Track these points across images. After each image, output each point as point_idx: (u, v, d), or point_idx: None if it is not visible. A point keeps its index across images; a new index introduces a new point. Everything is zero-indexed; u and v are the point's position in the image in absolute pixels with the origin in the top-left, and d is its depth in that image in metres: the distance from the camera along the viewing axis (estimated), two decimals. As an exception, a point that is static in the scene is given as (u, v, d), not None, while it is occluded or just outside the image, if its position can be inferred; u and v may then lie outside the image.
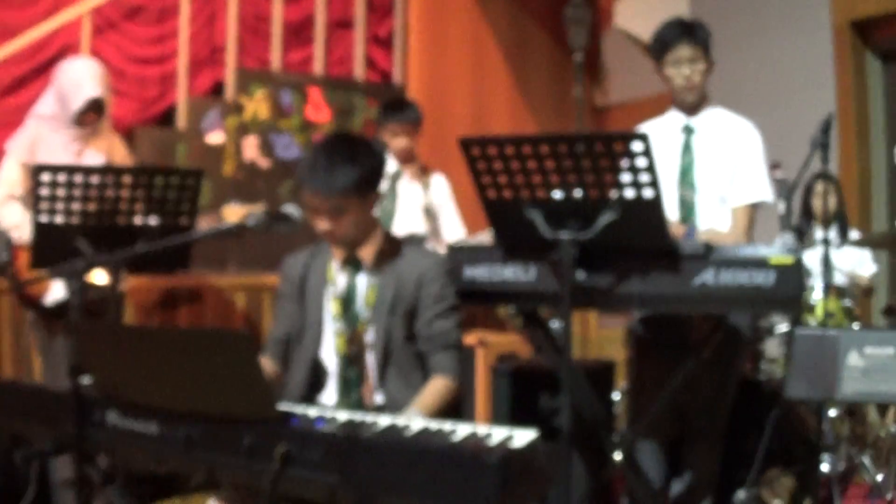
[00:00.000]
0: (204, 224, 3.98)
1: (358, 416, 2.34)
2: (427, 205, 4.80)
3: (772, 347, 4.56)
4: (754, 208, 3.65)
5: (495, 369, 4.11)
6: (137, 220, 3.35)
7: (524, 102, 7.20)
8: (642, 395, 3.77)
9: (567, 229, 2.88)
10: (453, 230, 4.87)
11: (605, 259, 2.96)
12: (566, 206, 2.89)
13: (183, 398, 2.23)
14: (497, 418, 4.04)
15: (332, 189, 2.74)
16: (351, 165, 2.77)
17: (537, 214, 2.92)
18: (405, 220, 4.76)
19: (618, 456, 3.29)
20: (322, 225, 2.82)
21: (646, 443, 3.71)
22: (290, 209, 2.82)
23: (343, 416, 2.36)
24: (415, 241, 4.39)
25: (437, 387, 2.85)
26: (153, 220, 3.33)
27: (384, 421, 2.28)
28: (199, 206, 3.44)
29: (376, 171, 2.88)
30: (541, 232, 2.90)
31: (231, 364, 2.11)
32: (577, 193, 2.87)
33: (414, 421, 2.32)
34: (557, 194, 2.89)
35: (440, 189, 4.89)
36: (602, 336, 6.34)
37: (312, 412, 2.38)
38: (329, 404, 2.91)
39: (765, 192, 3.64)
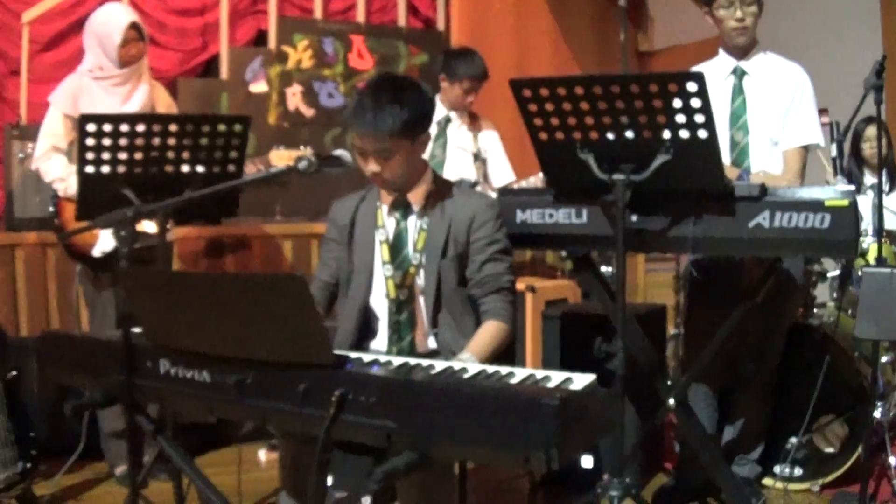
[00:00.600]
0: (251, 169, 3.81)
1: (412, 361, 2.29)
2: (477, 151, 4.74)
3: (823, 292, 4.45)
4: (806, 151, 3.58)
5: (545, 315, 4.06)
6: (184, 169, 3.28)
7: (567, 48, 7.07)
8: (694, 340, 3.74)
9: (620, 171, 2.84)
10: (503, 176, 4.81)
11: (658, 202, 2.95)
12: (619, 148, 2.84)
13: (235, 344, 2.19)
14: (547, 364, 4.00)
15: (380, 130, 2.68)
16: (399, 106, 2.70)
17: (590, 156, 2.88)
18: (455, 166, 4.70)
19: (671, 402, 3.22)
20: (370, 167, 2.76)
21: (698, 388, 3.67)
22: (340, 152, 2.79)
23: (397, 360, 2.31)
24: (464, 185, 4.25)
25: (490, 330, 2.78)
26: (200, 168, 3.26)
27: (439, 364, 2.24)
28: (245, 154, 3.36)
29: (424, 113, 2.81)
30: (594, 174, 2.87)
31: (285, 308, 2.06)
32: (630, 135, 2.81)
33: (469, 364, 2.27)
34: (610, 136, 2.83)
35: (490, 136, 4.84)
36: (648, 281, 6.26)
37: (366, 357, 2.34)
38: (380, 350, 2.87)
39: (816, 134, 3.56)
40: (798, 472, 3.82)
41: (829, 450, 3.83)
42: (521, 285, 4.63)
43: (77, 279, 4.10)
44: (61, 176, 3.91)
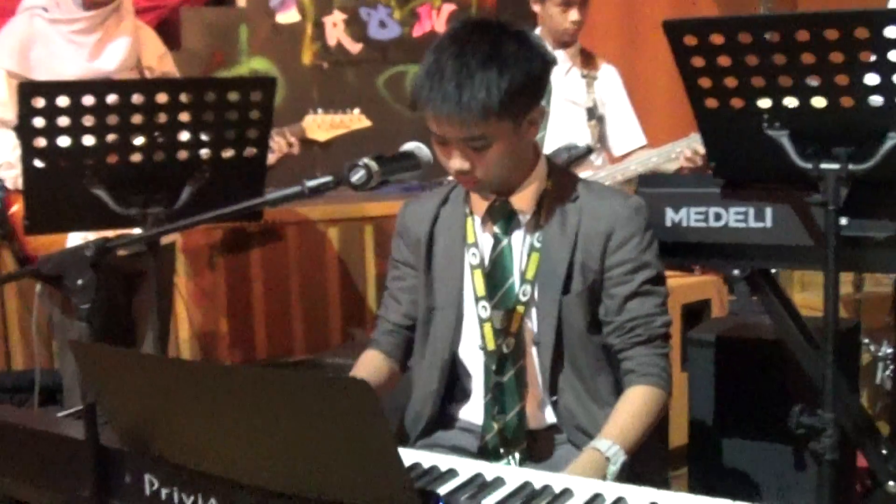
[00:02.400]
0: (278, 144, 3.67)
1: (536, 478, 2.05)
2: (593, 105, 4.52)
3: None
4: None
5: (691, 339, 3.77)
6: (181, 156, 3.01)
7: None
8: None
9: (832, 158, 2.56)
10: (628, 138, 4.62)
11: (882, 200, 2.71)
12: (831, 123, 2.56)
13: (260, 469, 1.89)
14: (695, 411, 3.77)
15: (468, 109, 2.36)
16: (497, 70, 2.37)
17: (784, 134, 2.60)
18: (561, 126, 4.47)
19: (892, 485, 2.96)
20: (455, 163, 2.48)
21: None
22: (413, 146, 2.44)
23: (512, 475, 2.08)
24: (574, 152, 4.19)
25: (639, 400, 2.52)
26: (204, 153, 3.02)
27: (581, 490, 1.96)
28: (272, 123, 3.15)
29: (537, 78, 2.47)
30: (790, 160, 2.58)
31: (340, 425, 1.74)
32: (848, 102, 2.50)
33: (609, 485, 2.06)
34: (818, 102, 2.53)
35: (610, 83, 4.60)
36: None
37: (462, 469, 2.11)
38: (474, 424, 2.64)
39: None
40: None
41: None
42: None
43: (37, 302, 3.77)
44: (9, 160, 3.59)
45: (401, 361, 2.78)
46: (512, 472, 2.09)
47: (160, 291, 3.43)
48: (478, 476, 2.08)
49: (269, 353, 5.05)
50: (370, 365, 2.70)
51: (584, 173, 4.13)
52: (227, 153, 3.07)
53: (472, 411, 2.65)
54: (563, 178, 2.69)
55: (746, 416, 3.50)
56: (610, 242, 2.55)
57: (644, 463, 2.51)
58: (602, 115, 4.59)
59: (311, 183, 2.24)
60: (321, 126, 3.65)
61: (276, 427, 1.83)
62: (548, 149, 4.16)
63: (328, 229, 5.36)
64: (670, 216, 2.96)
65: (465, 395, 2.69)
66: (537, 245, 2.59)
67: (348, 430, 1.74)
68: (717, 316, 4.64)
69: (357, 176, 2.26)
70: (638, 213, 2.59)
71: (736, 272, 3.00)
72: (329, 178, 2.24)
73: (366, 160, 2.28)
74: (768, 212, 2.84)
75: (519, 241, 2.61)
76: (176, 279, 4.22)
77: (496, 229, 2.62)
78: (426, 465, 2.13)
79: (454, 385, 2.69)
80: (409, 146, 2.45)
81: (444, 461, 2.15)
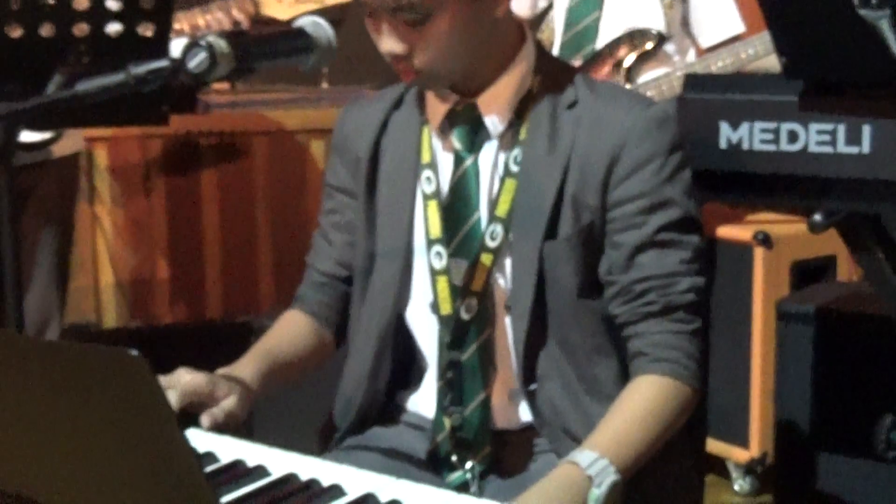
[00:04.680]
0: (219, 19, 3.69)
1: None
2: None
3: None
4: None
5: (781, 311, 3.75)
6: (45, 32, 2.95)
7: None
8: None
9: None
10: (720, 23, 4.57)
11: None
12: None
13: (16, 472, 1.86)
14: (785, 398, 3.77)
15: None
16: None
17: (886, 18, 2.46)
18: (624, 4, 4.49)
19: None
20: (386, 44, 2.42)
21: None
22: (307, 23, 2.42)
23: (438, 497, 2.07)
24: (640, 42, 4.27)
25: (644, 397, 2.43)
26: (81, 30, 2.96)
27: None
28: None
29: None
30: (892, 52, 2.46)
31: (110, 414, 1.72)
32: None
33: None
34: None
35: None
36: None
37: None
38: (424, 418, 2.62)
39: None
40: None
41: None
42: (744, 232, 4.43)
43: None
44: None
45: (336, 326, 2.75)
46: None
47: (55, 220, 3.37)
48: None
49: (226, 310, 4.99)
50: (287, 331, 2.68)
51: (655, 72, 4.24)
52: (112, 28, 3.01)
53: (424, 401, 2.61)
54: (557, 73, 2.59)
55: (856, 423, 3.47)
56: (616, 168, 2.47)
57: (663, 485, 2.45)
58: None
59: (138, 69, 2.17)
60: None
61: (30, 415, 1.80)
62: (604, 34, 4.18)
63: (310, 142, 5.31)
64: (726, 134, 2.70)
65: (415, 378, 2.66)
66: (514, 168, 2.51)
67: (119, 419, 1.71)
68: (843, 280, 4.59)
69: (196, 61, 2.21)
70: (661, 127, 2.51)
71: (818, 217, 2.82)
72: (165, 62, 2.17)
73: (211, 37, 2.22)
74: (866, 131, 2.65)
75: (489, 162, 2.54)
76: (97, 206, 4.20)
77: (456, 143, 2.54)
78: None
79: (401, 365, 2.65)
80: (304, 21, 2.41)
81: (326, 471, 2.09)
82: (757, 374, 4.34)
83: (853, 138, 2.67)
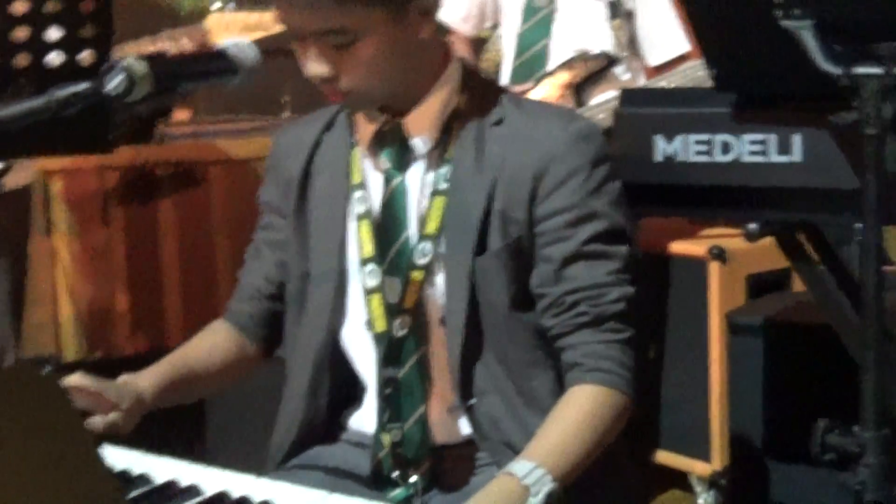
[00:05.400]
0: (170, 49, 3.79)
1: None
2: None
3: None
4: None
5: (732, 324, 3.83)
6: None
7: None
8: None
9: (871, 59, 2.44)
10: (667, 43, 4.60)
11: None
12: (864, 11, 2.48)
13: None
14: (736, 410, 3.88)
15: None
16: None
17: (806, 25, 2.50)
18: (572, 26, 4.53)
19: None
20: (312, 67, 2.43)
21: None
22: (231, 44, 2.38)
23: None
24: (590, 63, 4.29)
25: (578, 408, 2.43)
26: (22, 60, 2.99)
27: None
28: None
29: None
30: (815, 63, 2.49)
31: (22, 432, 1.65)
32: None
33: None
34: None
35: None
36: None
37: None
38: (365, 434, 2.62)
39: None
40: None
41: None
42: (698, 247, 4.43)
43: None
44: None
45: (262, 340, 2.75)
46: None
47: (7, 253, 3.37)
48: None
49: (187, 339, 4.73)
50: (207, 341, 2.70)
51: (604, 95, 4.21)
52: (54, 58, 3.02)
53: (365, 418, 2.61)
54: (484, 92, 2.62)
55: (806, 431, 3.42)
56: (542, 182, 2.49)
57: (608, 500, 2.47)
58: (631, 9, 4.58)
59: (61, 92, 2.12)
60: (230, 27, 3.57)
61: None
62: (554, 59, 4.19)
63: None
64: (661, 147, 2.89)
65: (356, 396, 2.66)
66: (442, 186, 2.53)
67: (32, 440, 1.66)
68: (800, 291, 4.50)
69: (114, 83, 2.15)
70: (586, 140, 2.53)
71: (752, 226, 2.92)
72: (85, 85, 2.13)
73: (130, 59, 2.18)
74: (796, 140, 2.77)
75: (418, 181, 2.56)
76: (54, 238, 4.22)
77: (385, 163, 2.56)
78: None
79: (338, 383, 2.64)
80: (227, 42, 2.38)
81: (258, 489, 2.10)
82: (715, 387, 4.29)
83: (785, 148, 2.82)
